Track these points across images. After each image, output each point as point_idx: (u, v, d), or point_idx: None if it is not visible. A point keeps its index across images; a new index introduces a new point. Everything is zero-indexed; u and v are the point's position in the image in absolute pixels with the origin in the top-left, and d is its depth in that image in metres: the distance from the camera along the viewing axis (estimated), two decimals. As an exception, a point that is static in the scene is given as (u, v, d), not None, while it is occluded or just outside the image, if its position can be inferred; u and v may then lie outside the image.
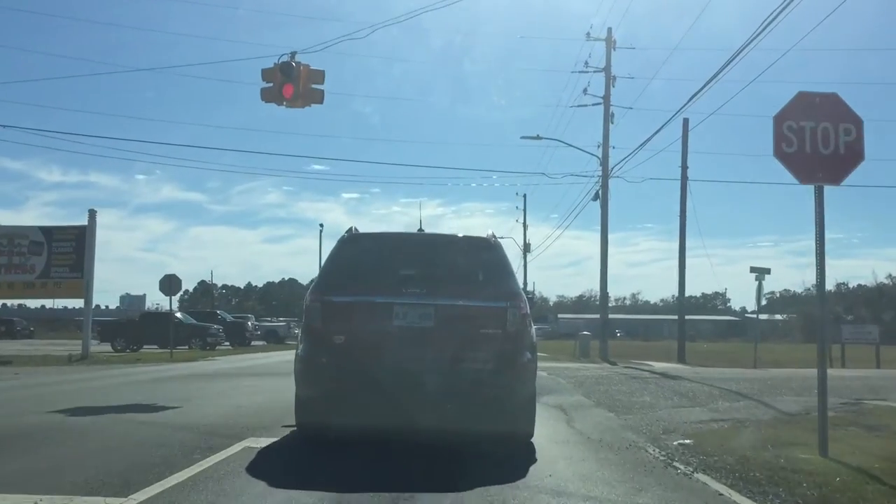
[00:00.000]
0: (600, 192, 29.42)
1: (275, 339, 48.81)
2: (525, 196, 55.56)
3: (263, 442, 7.51)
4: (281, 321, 53.32)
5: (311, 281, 9.07)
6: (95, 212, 28.69)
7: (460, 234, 8.69)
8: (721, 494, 5.73)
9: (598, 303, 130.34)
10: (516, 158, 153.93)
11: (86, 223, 28.27)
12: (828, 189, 7.58)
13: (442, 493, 5.52)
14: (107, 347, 36.61)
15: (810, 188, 7.61)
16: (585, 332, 30.64)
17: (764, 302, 26.19)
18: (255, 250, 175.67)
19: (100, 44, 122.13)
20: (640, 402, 12.62)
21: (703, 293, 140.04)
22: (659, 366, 25.51)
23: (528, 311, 7.80)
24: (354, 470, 6.42)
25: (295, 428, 7.90)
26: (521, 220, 55.50)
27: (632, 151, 28.45)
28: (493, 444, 7.36)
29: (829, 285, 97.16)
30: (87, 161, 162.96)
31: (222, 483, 5.64)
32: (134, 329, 37.50)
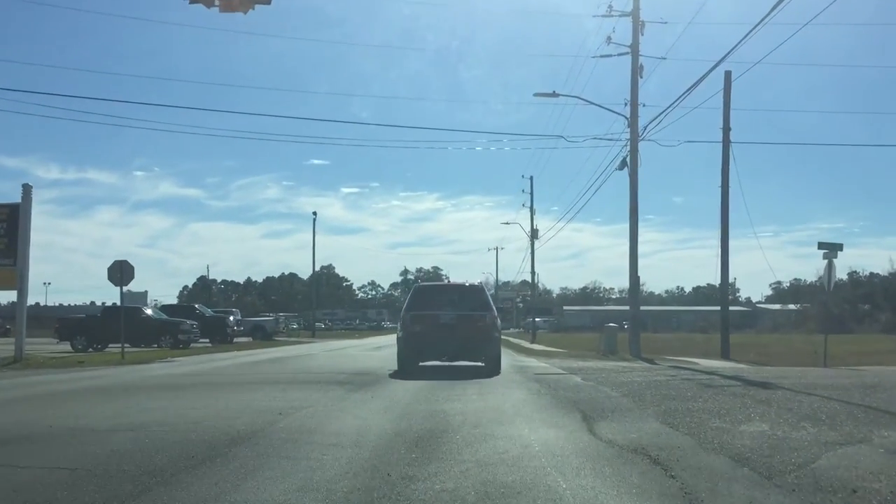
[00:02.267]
0: (629, 157, 24.26)
1: (262, 336, 43.75)
2: (532, 178, 50.38)
3: None
4: (269, 316, 48.10)
5: (403, 304, 17.95)
6: (31, 187, 23.56)
7: (467, 283, 18.90)
8: None
9: (602, 295, 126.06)
10: (529, 126, 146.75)
11: (28, 201, 23.22)
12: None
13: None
14: (66, 347, 31.75)
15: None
16: (612, 324, 25.49)
17: (833, 284, 20.96)
18: (255, 245, 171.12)
19: (95, 37, 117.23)
20: (761, 434, 7.53)
21: (708, 283, 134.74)
22: (707, 364, 20.39)
23: (497, 314, 17.00)
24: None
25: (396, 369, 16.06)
26: (528, 205, 50.35)
27: (664, 109, 23.33)
28: (480, 370, 15.93)
29: (842, 273, 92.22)
30: (85, 157, 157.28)
31: None
32: (96, 326, 32.45)
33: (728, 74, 24.27)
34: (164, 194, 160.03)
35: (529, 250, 51.61)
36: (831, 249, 20.22)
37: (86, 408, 9.76)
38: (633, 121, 24.21)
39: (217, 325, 37.69)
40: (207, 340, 36.52)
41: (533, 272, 51.71)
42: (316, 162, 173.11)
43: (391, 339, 49.17)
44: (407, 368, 15.72)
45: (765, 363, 21.42)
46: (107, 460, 5.99)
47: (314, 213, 61.42)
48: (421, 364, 16.25)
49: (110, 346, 32.29)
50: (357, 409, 9.54)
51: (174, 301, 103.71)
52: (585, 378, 14.49)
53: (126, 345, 31.91)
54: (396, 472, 5.57)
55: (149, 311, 33.85)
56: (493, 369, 15.73)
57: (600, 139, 26.25)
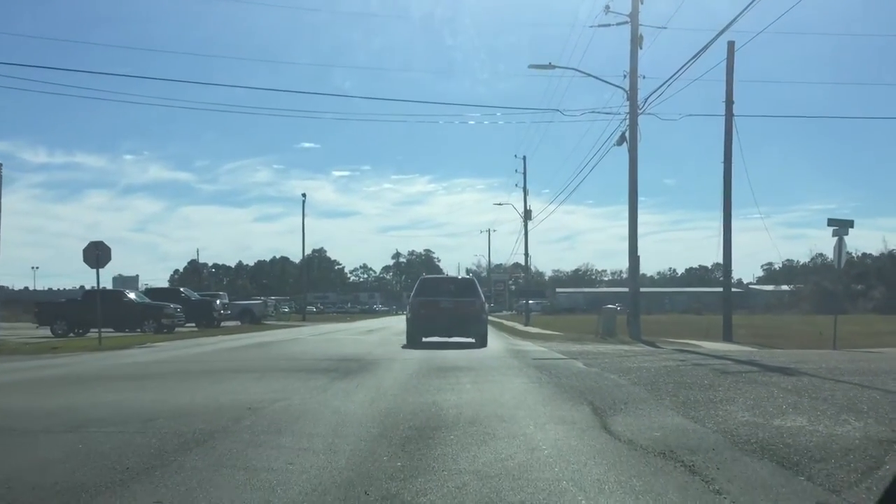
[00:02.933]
0: (628, 132, 23.12)
1: (250, 320, 42.55)
2: (525, 158, 49.13)
3: None
4: (257, 299, 46.88)
5: (411, 290, 22.44)
6: (0, 165, 22.35)
7: (461, 276, 29.00)
8: None
9: (594, 277, 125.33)
10: (519, 100, 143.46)
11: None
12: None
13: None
14: (47, 332, 30.54)
15: None
16: (610, 306, 24.44)
17: (844, 261, 19.91)
18: (246, 229, 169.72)
19: (76, 18, 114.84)
20: (801, 431, 6.46)
21: (700, 265, 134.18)
22: (711, 347, 19.39)
23: (484, 301, 20.27)
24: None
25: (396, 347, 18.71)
26: (521, 185, 49.14)
27: (665, 81, 22.16)
28: (471, 344, 18.91)
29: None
30: (73, 140, 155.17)
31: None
32: (77, 310, 31.19)
33: (731, 45, 23.12)
34: (153, 178, 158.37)
35: (522, 232, 50.49)
36: (842, 226, 19.17)
37: (32, 401, 8.62)
38: (632, 93, 23.05)
39: (203, 309, 36.51)
40: (194, 325, 35.40)
41: (526, 254, 50.60)
42: (306, 145, 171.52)
43: (383, 322, 48.11)
44: (414, 342, 19.58)
45: (770, 346, 20.44)
46: (21, 474, 4.86)
47: (303, 195, 60.08)
48: (425, 339, 20.04)
49: (92, 331, 31.14)
50: (338, 401, 8.43)
51: (165, 285, 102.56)
52: (588, 363, 13.43)
53: (109, 329, 30.92)
54: (376, 488, 4.46)
55: (132, 295, 32.58)
56: (481, 343, 19.37)
57: (598, 113, 25.09)
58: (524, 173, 48.80)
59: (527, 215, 48.75)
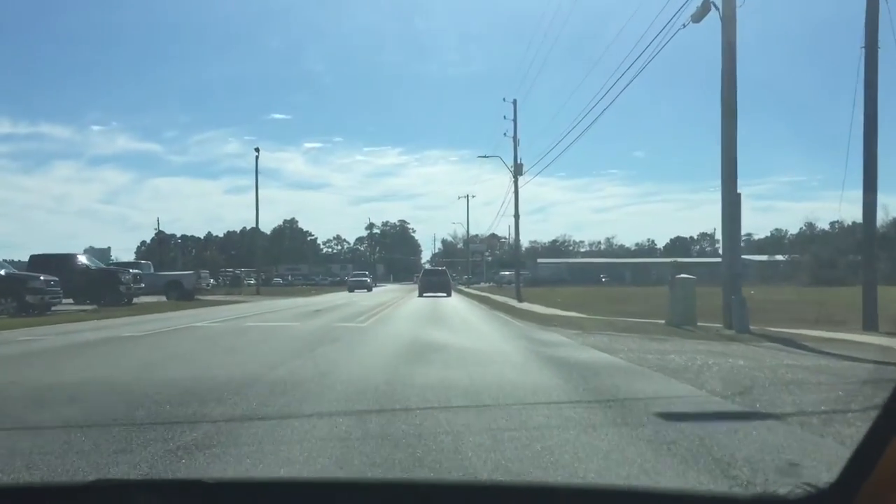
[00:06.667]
0: (715, -2, 13.68)
1: (179, 295, 32.70)
2: (515, 102, 39.63)
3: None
4: (188, 272, 36.91)
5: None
6: None
7: (439, 268, 51.27)
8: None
9: (572, 248, 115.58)
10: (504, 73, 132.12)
11: None
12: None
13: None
14: None
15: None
16: (685, 276, 14.94)
17: None
18: (217, 201, 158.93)
19: None
20: None
21: (677, 235, 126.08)
22: (887, 343, 10.27)
23: (449, 277, 45.67)
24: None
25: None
26: (511, 134, 39.65)
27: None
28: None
29: (823, 224, 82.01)
30: (37, 110, 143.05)
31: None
32: None
33: None
34: (122, 149, 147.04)
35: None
36: None
37: None
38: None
39: (106, 282, 26.87)
40: (92, 302, 25.91)
41: (517, 215, 40.93)
42: (276, 116, 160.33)
43: (348, 297, 38.77)
44: (421, 294, 39.02)
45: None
46: None
47: (256, 150, 49.78)
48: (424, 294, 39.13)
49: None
50: None
51: (132, 257, 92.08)
52: (786, 421, 4.19)
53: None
54: None
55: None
56: (447, 294, 40.13)
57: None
58: (514, 121, 39.38)
59: (517, 170, 39.31)
